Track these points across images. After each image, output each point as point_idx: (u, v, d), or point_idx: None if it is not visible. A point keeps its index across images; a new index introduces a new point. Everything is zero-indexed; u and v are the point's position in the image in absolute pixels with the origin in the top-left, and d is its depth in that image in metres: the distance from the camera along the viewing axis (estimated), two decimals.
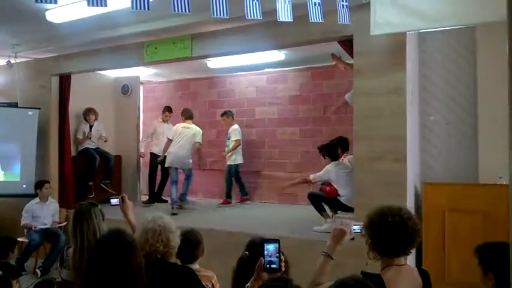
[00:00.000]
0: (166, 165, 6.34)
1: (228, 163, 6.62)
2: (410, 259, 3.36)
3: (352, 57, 4.15)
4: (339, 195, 4.64)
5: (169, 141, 6.30)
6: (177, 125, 6.47)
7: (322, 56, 5.88)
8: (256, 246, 2.12)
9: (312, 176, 4.86)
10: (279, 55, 5.98)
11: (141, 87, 8.11)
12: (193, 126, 6.43)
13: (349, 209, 4.52)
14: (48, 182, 5.78)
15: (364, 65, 3.94)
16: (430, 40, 4.30)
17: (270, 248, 1.75)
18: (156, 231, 2.23)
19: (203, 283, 2.27)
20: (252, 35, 4.58)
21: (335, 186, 4.67)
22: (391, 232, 1.83)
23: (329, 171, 4.73)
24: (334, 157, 4.86)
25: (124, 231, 1.95)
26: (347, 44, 4.21)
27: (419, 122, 4.37)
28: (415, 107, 4.17)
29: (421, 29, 3.77)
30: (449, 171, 4.24)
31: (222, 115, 6.80)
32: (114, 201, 2.77)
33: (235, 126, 6.64)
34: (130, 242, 1.88)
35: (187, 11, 2.62)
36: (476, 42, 4.14)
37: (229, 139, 6.60)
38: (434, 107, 4.36)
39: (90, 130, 6.71)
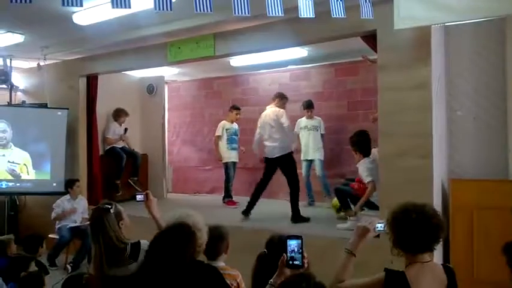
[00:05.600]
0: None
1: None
2: (438, 257, 3.31)
3: (376, 52, 4.10)
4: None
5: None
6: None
7: (345, 51, 5.84)
8: (275, 244, 2.13)
9: (367, 179, 4.53)
10: (301, 52, 5.95)
11: (166, 87, 8.23)
12: None
13: (374, 207, 4.47)
14: (78, 180, 5.96)
15: (388, 60, 3.88)
16: (456, 33, 4.20)
17: (293, 244, 1.76)
18: None
19: (228, 282, 2.28)
20: (274, 33, 4.58)
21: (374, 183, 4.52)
22: (414, 228, 1.81)
23: (370, 168, 4.53)
24: (367, 153, 4.71)
25: (187, 224, 2.06)
26: (370, 39, 4.15)
27: (446, 117, 4.28)
28: (441, 102, 4.09)
29: (447, 22, 3.67)
30: (478, 167, 4.14)
31: (237, 109, 6.74)
32: (139, 197, 2.84)
33: None
34: (189, 233, 1.97)
35: (209, 10, 2.64)
36: (504, 34, 4.03)
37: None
38: (461, 101, 4.26)
39: (125, 132, 6.88)
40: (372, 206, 4.58)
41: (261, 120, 5.49)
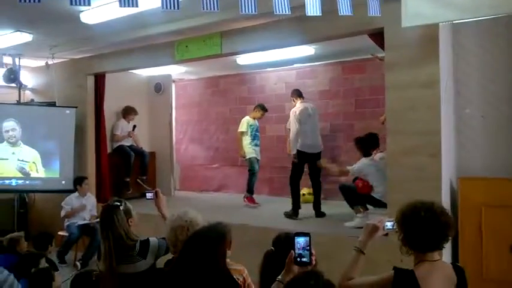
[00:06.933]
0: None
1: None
2: (446, 255, 3.30)
3: (383, 50, 4.08)
4: (373, 191, 4.60)
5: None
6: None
7: (352, 49, 5.82)
8: (282, 241, 2.14)
9: (349, 168, 4.84)
10: (308, 50, 5.94)
11: (173, 85, 8.25)
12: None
13: (382, 205, 4.46)
14: (86, 178, 6.01)
15: (396, 58, 3.87)
16: (464, 31, 4.17)
17: (301, 241, 1.75)
18: (183, 227, 2.27)
19: (234, 276, 2.29)
20: (281, 31, 4.58)
21: (369, 182, 4.62)
22: (423, 227, 1.80)
23: (364, 165, 4.72)
24: (366, 153, 4.81)
25: (221, 223, 2.07)
26: (378, 37, 4.14)
27: (455, 115, 4.26)
28: (449, 100, 4.06)
29: (454, 20, 3.63)
30: (487, 165, 4.11)
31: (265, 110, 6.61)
32: (149, 195, 2.87)
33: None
34: (222, 232, 1.99)
35: (215, 9, 2.64)
36: None
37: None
38: (469, 99, 4.23)
39: (134, 129, 6.91)
40: (376, 203, 4.59)
41: (306, 114, 5.45)
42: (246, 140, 6.45)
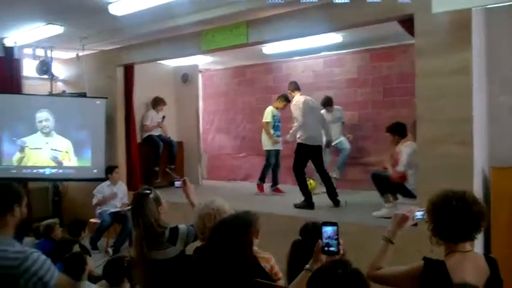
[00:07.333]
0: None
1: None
2: (478, 247, 3.22)
3: (413, 36, 3.98)
4: (407, 181, 4.49)
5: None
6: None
7: (381, 36, 5.71)
8: (309, 231, 2.14)
9: (401, 169, 4.46)
10: (336, 37, 5.86)
11: (200, 75, 8.31)
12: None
13: (412, 196, 4.39)
14: (117, 166, 6.16)
15: (427, 45, 3.77)
16: (498, 16, 4.01)
17: (328, 230, 1.75)
18: (210, 215, 2.31)
19: (262, 264, 2.32)
20: (308, 19, 4.53)
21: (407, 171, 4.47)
22: (454, 216, 1.76)
23: (409, 156, 4.41)
24: (403, 134, 4.66)
25: (248, 212, 2.11)
26: (407, 23, 4.04)
27: (487, 103, 4.13)
28: (481, 87, 3.94)
29: (487, 5, 3.51)
30: None
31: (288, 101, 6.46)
32: (177, 183, 2.92)
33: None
34: (249, 220, 2.03)
35: None
36: None
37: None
38: (502, 86, 4.09)
39: (163, 120, 7.02)
40: (407, 193, 4.51)
41: (308, 106, 5.40)
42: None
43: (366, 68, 6.65)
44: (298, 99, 5.50)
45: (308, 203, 5.15)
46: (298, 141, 5.35)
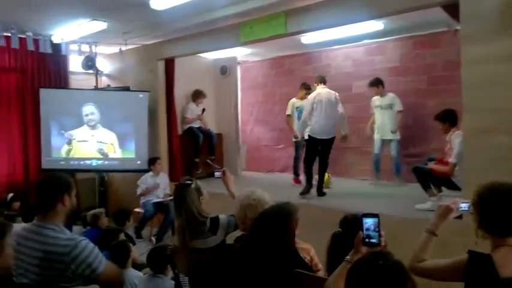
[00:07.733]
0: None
1: None
2: None
3: (458, 22, 3.82)
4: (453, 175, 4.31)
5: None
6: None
7: (424, 23, 5.51)
8: (349, 223, 2.13)
9: (453, 160, 4.23)
10: (377, 25, 5.70)
11: (238, 67, 8.35)
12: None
13: (455, 187, 4.24)
14: (159, 158, 6.36)
15: (473, 31, 3.60)
16: None
17: (369, 222, 1.73)
18: (251, 205, 2.37)
19: (301, 255, 2.33)
20: (347, 6, 4.44)
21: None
22: (503, 209, 1.70)
23: (462, 145, 4.09)
24: (454, 122, 4.40)
25: (289, 203, 2.19)
26: (452, 8, 3.87)
27: None
28: None
29: None
30: None
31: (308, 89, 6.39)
32: (217, 174, 2.98)
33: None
34: (289, 211, 2.10)
35: None
36: None
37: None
38: None
39: (203, 112, 7.12)
40: (452, 185, 4.36)
41: (317, 99, 5.41)
42: (293, 122, 6.48)
43: (409, 55, 6.44)
44: (312, 93, 5.56)
45: (304, 188, 5.38)
46: (306, 134, 5.60)
